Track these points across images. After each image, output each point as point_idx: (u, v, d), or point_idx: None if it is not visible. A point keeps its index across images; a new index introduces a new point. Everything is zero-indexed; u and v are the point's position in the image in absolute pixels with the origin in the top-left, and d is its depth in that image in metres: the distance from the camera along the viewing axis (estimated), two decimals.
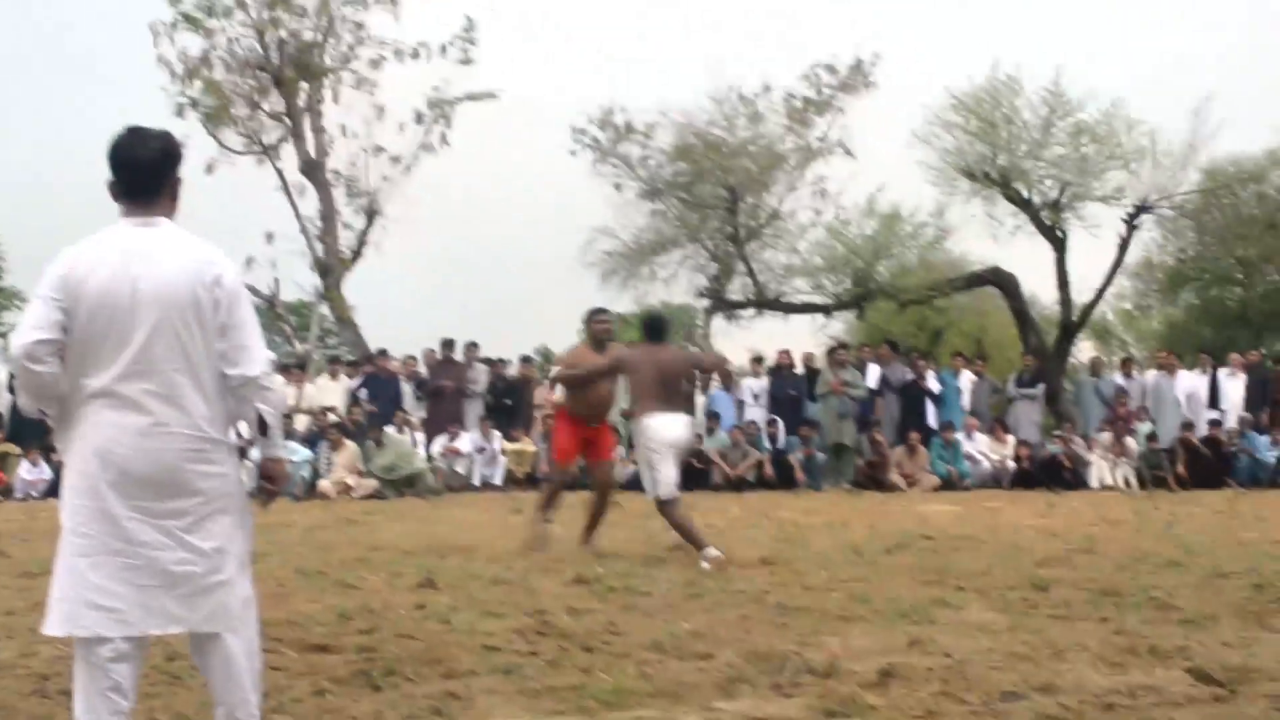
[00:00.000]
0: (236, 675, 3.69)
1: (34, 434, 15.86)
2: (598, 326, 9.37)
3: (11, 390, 17.77)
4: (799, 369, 19.21)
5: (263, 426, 3.80)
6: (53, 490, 14.60)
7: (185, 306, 3.60)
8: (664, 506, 8.45)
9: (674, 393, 8.74)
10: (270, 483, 4.05)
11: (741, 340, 29.36)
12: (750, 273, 23.35)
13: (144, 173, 3.70)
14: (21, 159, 57.78)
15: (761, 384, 19.06)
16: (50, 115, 59.69)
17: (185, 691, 4.52)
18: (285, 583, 7.26)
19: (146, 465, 3.57)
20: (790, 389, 18.81)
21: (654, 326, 8.97)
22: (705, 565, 7.92)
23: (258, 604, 3.83)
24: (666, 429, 8.46)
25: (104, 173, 3.72)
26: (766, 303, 23.55)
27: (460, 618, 6.05)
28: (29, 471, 16.19)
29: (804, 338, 23.27)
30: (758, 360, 19.59)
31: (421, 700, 4.41)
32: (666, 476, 8.38)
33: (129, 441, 3.56)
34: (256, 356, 3.72)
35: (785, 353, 19.42)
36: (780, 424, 18.44)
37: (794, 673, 4.82)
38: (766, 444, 17.98)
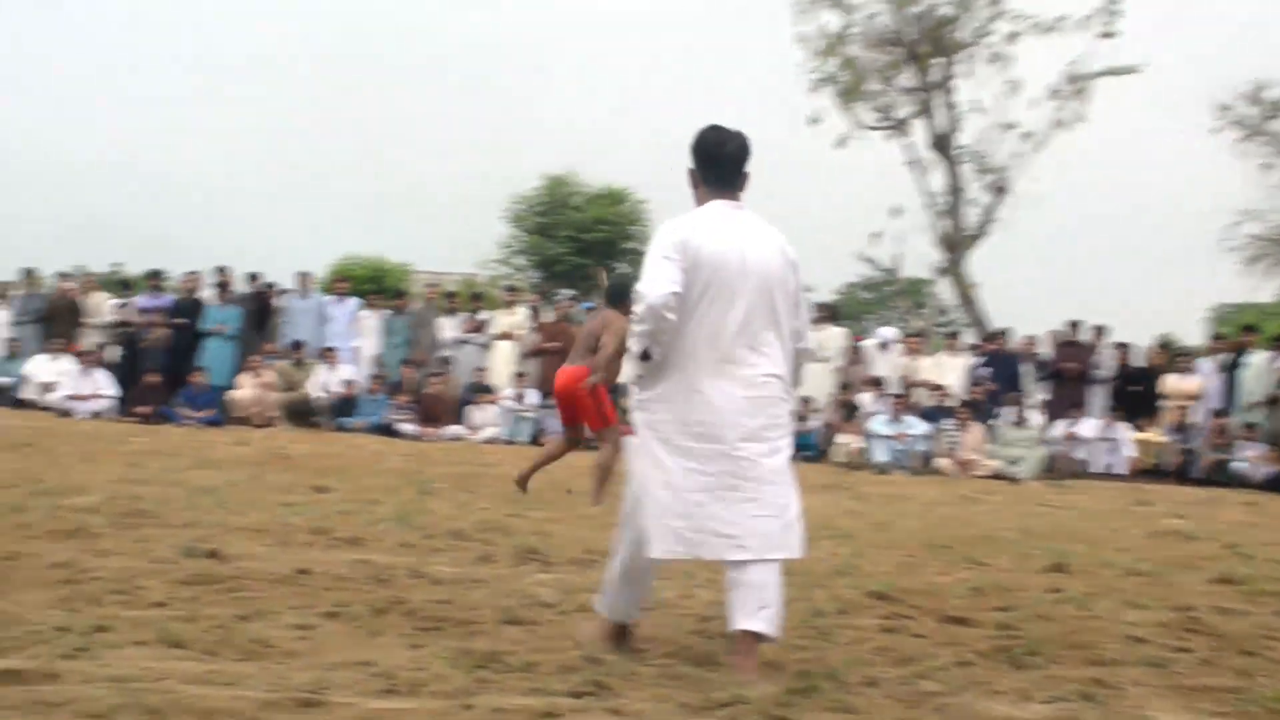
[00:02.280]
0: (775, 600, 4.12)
1: None
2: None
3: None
4: None
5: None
6: None
7: (777, 279, 4.19)
8: None
9: None
10: None
11: None
12: None
13: (732, 164, 4.32)
14: (662, 124, 62.38)
15: None
16: (688, 89, 64.08)
17: (834, 647, 4.71)
18: (914, 554, 7.39)
19: (754, 410, 4.10)
20: None
21: None
22: None
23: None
24: None
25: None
26: None
27: (1099, 605, 5.88)
28: None
29: None
30: None
31: (1068, 684, 4.33)
32: None
33: (739, 389, 4.09)
34: (809, 331, 4.39)
35: None
36: None
37: None
38: None
